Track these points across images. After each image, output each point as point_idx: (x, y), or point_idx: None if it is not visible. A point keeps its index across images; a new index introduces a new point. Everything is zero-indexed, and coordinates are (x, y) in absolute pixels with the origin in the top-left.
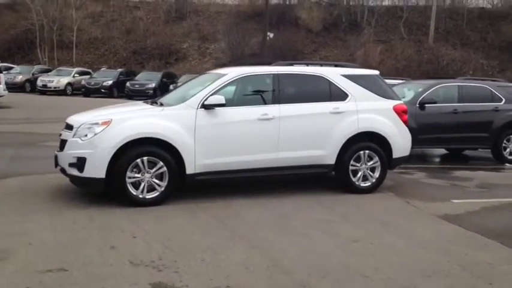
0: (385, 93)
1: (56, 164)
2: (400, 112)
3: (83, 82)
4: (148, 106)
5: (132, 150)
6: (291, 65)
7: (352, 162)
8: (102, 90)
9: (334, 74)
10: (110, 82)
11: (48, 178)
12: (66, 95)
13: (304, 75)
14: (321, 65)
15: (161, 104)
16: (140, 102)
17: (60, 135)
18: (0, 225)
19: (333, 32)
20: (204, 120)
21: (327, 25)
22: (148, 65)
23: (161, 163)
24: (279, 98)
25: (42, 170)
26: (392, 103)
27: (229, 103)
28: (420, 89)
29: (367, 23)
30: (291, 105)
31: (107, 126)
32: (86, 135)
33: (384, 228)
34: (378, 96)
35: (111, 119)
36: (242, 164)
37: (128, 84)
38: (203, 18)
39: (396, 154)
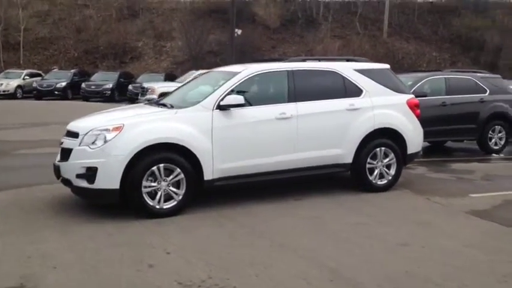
0: (398, 88)
1: (58, 176)
2: (413, 106)
3: (35, 84)
4: (158, 109)
5: (147, 157)
6: (304, 60)
7: (368, 160)
8: (56, 92)
9: (347, 69)
10: (64, 83)
11: (41, 190)
12: (17, 98)
13: (318, 71)
14: (333, 60)
15: (171, 106)
16: (140, 104)
17: (62, 143)
18: (11, 247)
19: (290, 29)
20: (220, 122)
21: (284, 21)
22: (102, 65)
23: (178, 170)
24: (295, 96)
25: (31, 181)
26: (405, 97)
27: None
28: (410, 82)
29: (324, 18)
30: (308, 103)
31: (119, 132)
32: (95, 143)
33: (424, 229)
34: (391, 91)
35: (123, 124)
36: (261, 167)
37: (83, 85)
38: (157, 15)
39: (410, 150)
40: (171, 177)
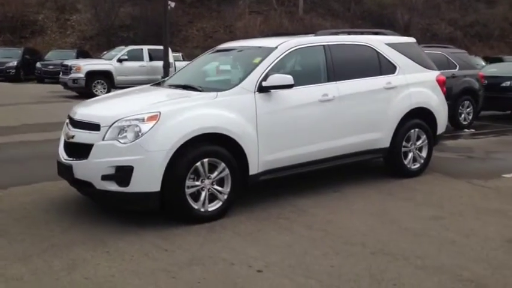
0: (427, 63)
1: (70, 177)
2: (441, 84)
3: None
4: (187, 92)
5: (191, 152)
6: (336, 34)
7: (403, 143)
8: None
9: (380, 43)
10: None
11: (22, 193)
12: None
13: (353, 46)
14: (361, 33)
15: (201, 89)
16: (147, 87)
17: (71, 136)
18: (44, 275)
19: (205, 3)
20: (263, 107)
21: None
22: None
23: (223, 165)
24: (334, 74)
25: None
26: (434, 74)
27: None
28: None
29: None
30: (347, 82)
31: (156, 122)
32: (125, 136)
33: (509, 219)
34: (421, 67)
35: (159, 112)
36: (305, 157)
37: None
38: None
39: (439, 130)
40: (215, 173)
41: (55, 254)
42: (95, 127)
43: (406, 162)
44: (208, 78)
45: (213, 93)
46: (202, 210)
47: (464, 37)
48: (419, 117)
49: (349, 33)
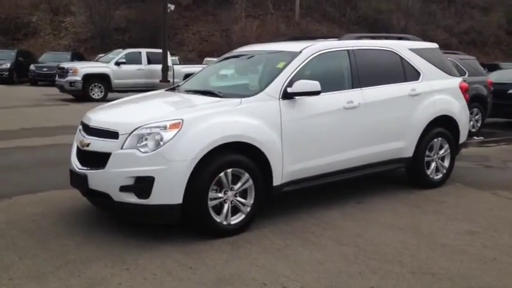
0: (449, 70)
1: (84, 187)
2: (464, 91)
3: None
4: (208, 99)
5: (214, 161)
6: (360, 38)
7: (426, 152)
8: None
9: (404, 48)
10: None
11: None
12: None
13: (377, 51)
14: (385, 37)
15: (221, 95)
16: (161, 92)
17: (86, 144)
18: None
19: (202, 6)
20: (288, 114)
21: None
22: None
23: (246, 175)
24: (359, 81)
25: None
26: (457, 81)
27: None
28: None
29: None
30: (372, 88)
31: (179, 130)
32: (146, 145)
33: None
34: (444, 73)
35: (182, 120)
36: (329, 166)
37: None
38: None
39: (462, 139)
40: (238, 184)
41: (71, 272)
42: (113, 135)
43: (428, 172)
44: (225, 83)
45: (237, 100)
46: (224, 223)
47: (459, 44)
48: (443, 125)
49: (372, 37)
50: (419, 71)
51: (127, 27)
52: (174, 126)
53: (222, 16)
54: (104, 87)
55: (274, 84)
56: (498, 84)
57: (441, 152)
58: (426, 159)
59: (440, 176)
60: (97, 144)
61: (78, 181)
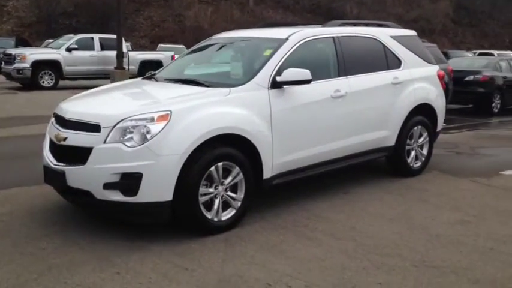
0: (427, 57)
1: (61, 185)
2: (441, 79)
3: None
4: (194, 88)
5: (205, 155)
6: (344, 25)
7: (407, 140)
8: None
9: (385, 36)
10: None
11: (13, 198)
12: None
13: (361, 38)
14: (366, 24)
15: (207, 84)
16: (138, 80)
17: (63, 138)
18: None
19: None
20: (277, 104)
21: None
22: None
23: (237, 169)
24: (344, 69)
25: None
26: (435, 68)
27: None
28: None
29: None
30: (357, 76)
31: (168, 123)
32: (131, 139)
33: None
34: (423, 61)
35: (170, 111)
36: (317, 157)
37: None
38: None
39: (439, 127)
40: (229, 179)
41: (56, 279)
42: (94, 128)
43: (409, 160)
44: (207, 71)
45: (226, 89)
46: (215, 220)
47: None
48: (422, 113)
49: (354, 24)
50: (401, 58)
51: (74, 11)
52: (162, 118)
53: (174, 1)
54: (54, 75)
55: (263, 73)
56: (457, 72)
57: (420, 140)
58: (407, 147)
59: (419, 164)
60: (75, 138)
61: (54, 178)
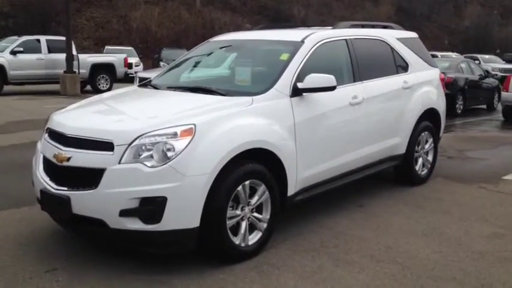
0: (430, 60)
1: (65, 213)
2: (443, 82)
3: None
4: (209, 98)
5: (232, 173)
6: (353, 26)
7: (415, 147)
8: None
9: (392, 38)
10: None
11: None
12: None
13: (370, 41)
14: (373, 26)
15: (224, 92)
16: (134, 88)
17: (68, 159)
18: None
19: None
20: (300, 114)
21: None
22: None
23: (263, 187)
24: (359, 73)
25: None
26: (438, 71)
27: None
28: None
29: None
30: (371, 81)
31: (192, 138)
32: (151, 157)
33: None
34: (426, 64)
35: (195, 124)
36: (337, 169)
37: None
38: None
39: (441, 132)
40: (255, 198)
41: None
42: (106, 146)
43: (417, 168)
44: (215, 77)
45: (248, 98)
46: (243, 245)
47: None
48: (428, 119)
49: (363, 26)
50: (408, 62)
51: (11, 12)
52: (185, 133)
53: (118, 1)
54: None
55: (284, 80)
56: None
57: (426, 146)
58: (415, 154)
59: (425, 171)
60: (82, 158)
61: (55, 205)
